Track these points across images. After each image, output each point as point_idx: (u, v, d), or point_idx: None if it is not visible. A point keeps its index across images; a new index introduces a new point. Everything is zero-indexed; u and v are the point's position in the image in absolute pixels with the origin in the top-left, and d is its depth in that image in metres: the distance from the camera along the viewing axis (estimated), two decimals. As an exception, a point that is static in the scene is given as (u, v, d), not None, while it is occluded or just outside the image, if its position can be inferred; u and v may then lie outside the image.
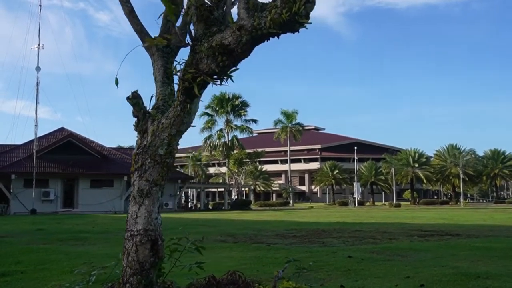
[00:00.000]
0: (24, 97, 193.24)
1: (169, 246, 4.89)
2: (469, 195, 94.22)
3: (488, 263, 8.92)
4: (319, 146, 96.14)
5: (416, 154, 72.93)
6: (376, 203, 71.01)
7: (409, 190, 75.63)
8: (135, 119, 4.96)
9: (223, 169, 69.93)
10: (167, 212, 40.04)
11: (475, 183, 79.96)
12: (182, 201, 57.11)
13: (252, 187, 74.48)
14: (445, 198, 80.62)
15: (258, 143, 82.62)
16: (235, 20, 4.14)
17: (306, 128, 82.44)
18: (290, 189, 74.90)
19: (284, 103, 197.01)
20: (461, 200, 68.56)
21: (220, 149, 59.98)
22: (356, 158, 70.68)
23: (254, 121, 61.86)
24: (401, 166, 71.72)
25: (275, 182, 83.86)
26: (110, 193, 42.45)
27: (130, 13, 5.36)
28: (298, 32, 3.90)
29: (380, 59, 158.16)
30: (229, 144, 60.01)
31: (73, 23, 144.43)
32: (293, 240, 14.24)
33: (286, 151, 75.20)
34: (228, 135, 60.28)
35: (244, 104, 60.48)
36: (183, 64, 4.37)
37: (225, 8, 4.28)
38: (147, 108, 5.01)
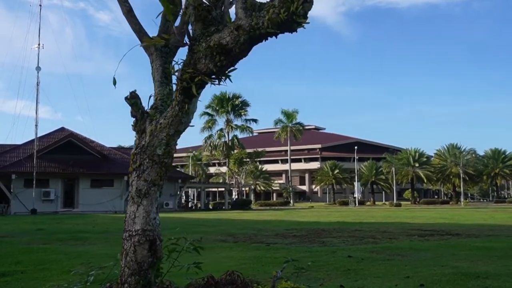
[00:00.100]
0: (24, 97, 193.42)
1: (168, 246, 4.89)
2: (469, 195, 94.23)
3: (488, 263, 8.92)
4: (319, 146, 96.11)
5: (417, 154, 72.94)
6: (376, 203, 71.03)
7: (410, 189, 75.68)
8: (134, 119, 4.95)
9: (224, 169, 69.94)
10: (168, 212, 40.04)
11: (475, 182, 80.00)
12: (183, 200, 57.12)
13: (252, 187, 74.48)
14: (445, 198, 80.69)
15: (259, 142, 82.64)
16: (233, 19, 4.13)
17: (307, 127, 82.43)
18: (291, 188, 74.89)
19: (283, 103, 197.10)
20: (462, 199, 68.55)
21: (221, 148, 59.97)
22: (356, 157, 70.66)
23: (255, 120, 61.93)
24: (401, 165, 71.73)
25: (276, 181, 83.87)
26: (111, 193, 42.46)
27: (129, 13, 5.35)
28: (296, 32, 3.89)
29: (380, 58, 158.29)
30: (230, 143, 60.01)
31: (74, 22, 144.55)
32: (293, 239, 14.23)
33: (287, 150, 75.21)
34: (228, 135, 60.32)
35: (245, 104, 60.49)
36: (181, 64, 4.36)
37: (223, 7, 4.27)
38: (146, 108, 5.00)
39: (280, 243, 13.13)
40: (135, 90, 4.95)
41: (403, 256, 10.06)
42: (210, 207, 56.36)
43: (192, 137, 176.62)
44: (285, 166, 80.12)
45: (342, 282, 6.99)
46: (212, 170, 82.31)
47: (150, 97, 5.06)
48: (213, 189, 74.99)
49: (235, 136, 61.31)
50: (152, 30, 5.34)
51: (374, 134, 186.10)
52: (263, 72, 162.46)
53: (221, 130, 60.09)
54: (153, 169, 4.63)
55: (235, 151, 62.13)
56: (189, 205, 58.59)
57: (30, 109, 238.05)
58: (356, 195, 68.12)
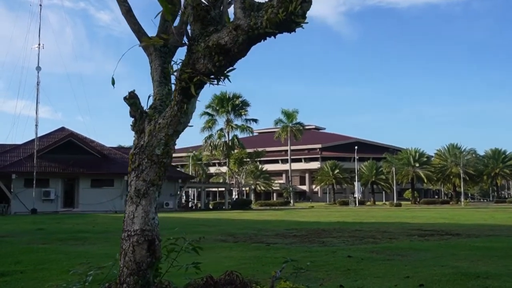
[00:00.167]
0: (24, 97, 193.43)
1: (166, 246, 4.88)
2: (469, 195, 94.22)
3: (488, 263, 8.91)
4: (319, 146, 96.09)
5: (417, 154, 72.95)
6: (376, 203, 71.02)
7: (410, 189, 75.66)
8: (133, 119, 4.95)
9: (224, 169, 69.94)
10: (168, 211, 40.04)
11: (475, 182, 79.97)
12: (183, 200, 57.13)
13: (252, 187, 74.48)
14: (445, 198, 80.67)
15: (259, 142, 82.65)
16: (232, 19, 4.13)
17: (307, 127, 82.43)
18: (291, 188, 74.90)
19: (284, 103, 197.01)
20: (462, 199, 68.54)
21: (221, 148, 59.97)
22: (356, 157, 70.63)
23: (255, 120, 61.93)
24: (401, 165, 71.72)
25: (276, 181, 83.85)
26: (111, 192, 42.46)
27: (127, 13, 5.35)
28: (295, 32, 3.89)
29: (380, 58, 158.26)
30: (230, 143, 60.01)
31: (74, 22, 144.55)
32: (293, 239, 14.23)
33: (287, 150, 75.21)
34: (228, 135, 60.32)
35: (245, 104, 60.49)
36: (180, 64, 4.36)
37: (222, 7, 4.27)
38: (145, 108, 5.00)
39: (280, 243, 13.13)
40: (134, 90, 4.94)
41: (403, 256, 10.05)
42: (210, 207, 56.36)
43: (192, 137, 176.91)
44: (285, 166, 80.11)
45: (342, 282, 6.98)
46: (212, 170, 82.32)
47: (149, 97, 5.07)
48: (213, 189, 75.00)
49: (235, 136, 61.35)
50: (152, 30, 5.35)
51: (374, 134, 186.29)
52: (262, 72, 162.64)
53: (221, 130, 60.11)
54: (152, 169, 4.63)
55: (235, 151, 62.13)
56: (189, 205, 58.60)
57: (30, 109, 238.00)
58: (356, 195, 68.10)
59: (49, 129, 60.34)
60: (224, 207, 54.32)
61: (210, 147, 60.52)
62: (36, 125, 42.33)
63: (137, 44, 5.15)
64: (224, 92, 58.30)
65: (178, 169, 63.70)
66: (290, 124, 70.56)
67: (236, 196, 61.55)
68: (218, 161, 73.12)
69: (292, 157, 75.90)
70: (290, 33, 3.93)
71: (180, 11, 4.70)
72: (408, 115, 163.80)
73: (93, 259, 8.94)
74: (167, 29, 5.08)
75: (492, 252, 10.51)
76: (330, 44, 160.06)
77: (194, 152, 73.81)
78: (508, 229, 18.00)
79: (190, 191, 64.31)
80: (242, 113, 60.33)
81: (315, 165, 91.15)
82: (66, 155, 42.42)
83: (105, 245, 12.65)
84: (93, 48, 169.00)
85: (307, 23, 3.80)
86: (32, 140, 43.05)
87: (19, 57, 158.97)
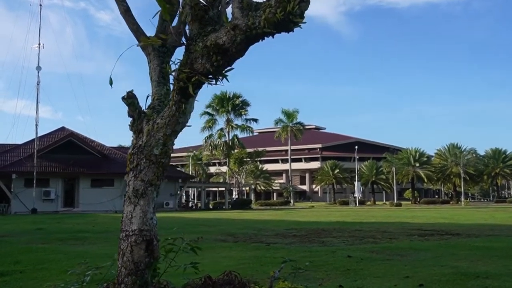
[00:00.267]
0: (24, 97, 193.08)
1: (165, 246, 4.88)
2: (470, 195, 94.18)
3: (488, 263, 8.90)
4: (319, 146, 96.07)
5: (417, 153, 72.94)
6: (377, 203, 71.02)
7: (410, 189, 75.65)
8: (131, 119, 4.94)
9: (224, 169, 69.94)
10: (168, 211, 40.04)
11: (476, 182, 79.95)
12: (183, 200, 57.13)
13: (252, 187, 74.48)
14: (446, 198, 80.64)
15: (259, 142, 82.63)
16: (230, 19, 4.12)
17: (307, 127, 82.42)
18: (291, 188, 74.89)
19: (284, 103, 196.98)
20: (462, 199, 68.53)
21: (221, 148, 59.98)
22: (356, 157, 70.62)
23: (255, 120, 61.92)
24: (402, 165, 71.71)
25: (276, 181, 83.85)
26: (111, 192, 42.45)
27: (126, 12, 5.34)
28: (293, 31, 3.89)
29: (380, 58, 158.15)
30: (230, 143, 60.01)
31: (74, 22, 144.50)
32: (293, 239, 14.22)
33: (287, 150, 75.20)
34: (228, 135, 60.33)
35: (245, 103, 60.49)
36: (178, 63, 4.35)
37: (220, 7, 4.26)
38: (143, 108, 4.99)
39: (280, 243, 13.12)
40: (132, 90, 4.94)
41: (403, 256, 10.04)
42: (210, 206, 56.36)
43: (192, 136, 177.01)
44: (286, 166, 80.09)
45: (341, 282, 6.97)
46: (212, 169, 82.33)
47: (147, 97, 5.06)
48: (214, 189, 74.98)
49: (236, 135, 61.37)
50: (150, 30, 5.34)
51: (375, 133, 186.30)
52: (263, 71, 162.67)
53: (221, 129, 60.12)
54: (150, 169, 4.62)
55: (236, 150, 62.13)
56: (190, 205, 58.60)
57: (31, 108, 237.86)
58: (356, 194, 68.08)
59: (49, 129, 60.33)
60: (224, 207, 54.32)
61: (210, 147, 60.52)
62: (36, 125, 42.41)
63: (135, 44, 5.14)
64: (224, 92, 58.38)
65: (178, 168, 63.73)
66: (290, 124, 70.55)
67: (236, 196, 61.55)
68: (218, 161, 73.14)
69: (292, 157, 75.89)
70: (288, 33, 3.92)
71: (178, 11, 4.70)
72: (408, 114, 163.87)
73: (92, 259, 8.93)
74: (165, 29, 5.07)
75: (492, 252, 10.50)
76: (331, 44, 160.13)
77: (194, 151, 73.83)
78: (508, 229, 17.99)
79: (190, 191, 64.34)
80: (242, 113, 60.35)
81: (315, 165, 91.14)
82: (66, 155, 42.43)
83: (105, 245, 12.64)
84: (93, 48, 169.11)
85: (305, 23, 3.80)
86: (32, 140, 43.06)
87: (19, 57, 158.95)
